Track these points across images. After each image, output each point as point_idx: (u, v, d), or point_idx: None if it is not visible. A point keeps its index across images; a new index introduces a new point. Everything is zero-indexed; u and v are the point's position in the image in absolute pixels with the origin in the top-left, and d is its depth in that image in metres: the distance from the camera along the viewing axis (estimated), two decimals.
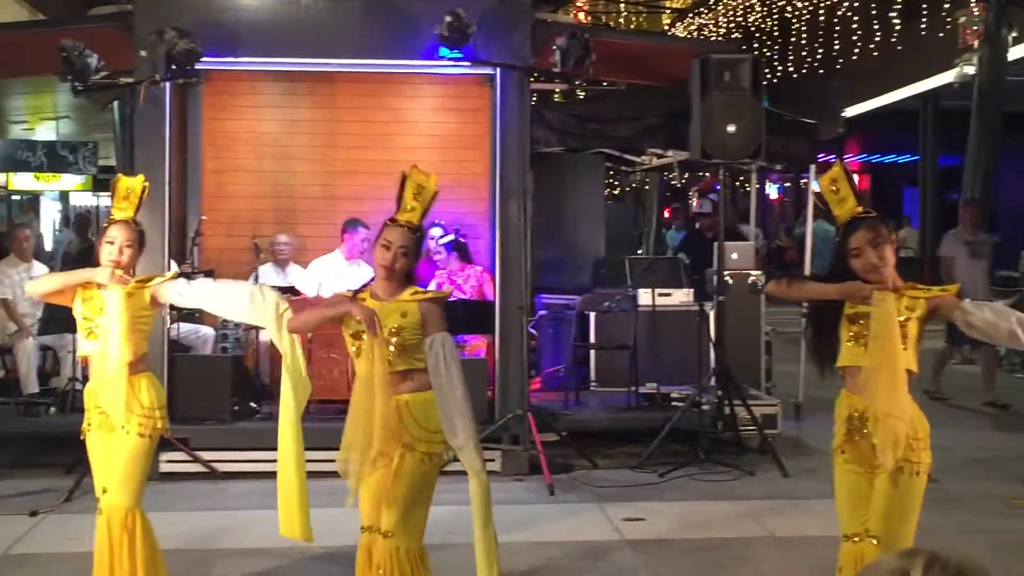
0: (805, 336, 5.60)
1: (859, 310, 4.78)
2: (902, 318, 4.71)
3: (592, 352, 10.55)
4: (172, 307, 8.36)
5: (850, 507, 4.82)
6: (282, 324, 5.13)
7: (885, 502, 4.67)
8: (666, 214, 20.96)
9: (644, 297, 10.37)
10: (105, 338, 5.25)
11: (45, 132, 23.34)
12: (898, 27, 19.83)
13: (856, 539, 4.76)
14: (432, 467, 4.92)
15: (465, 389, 4.81)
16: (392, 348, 4.83)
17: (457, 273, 10.08)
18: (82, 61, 8.34)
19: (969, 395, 11.98)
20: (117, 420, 5.24)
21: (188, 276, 8.20)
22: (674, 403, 9.58)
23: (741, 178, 15.10)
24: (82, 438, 5.40)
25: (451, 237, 10.11)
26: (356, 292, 5.04)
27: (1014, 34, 16.68)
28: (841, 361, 4.87)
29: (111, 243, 5.29)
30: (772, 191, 30.03)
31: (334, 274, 9.99)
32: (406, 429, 4.84)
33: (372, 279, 5.14)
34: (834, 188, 4.94)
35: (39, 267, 10.66)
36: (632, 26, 24.93)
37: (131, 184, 5.44)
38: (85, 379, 10.35)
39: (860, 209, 4.88)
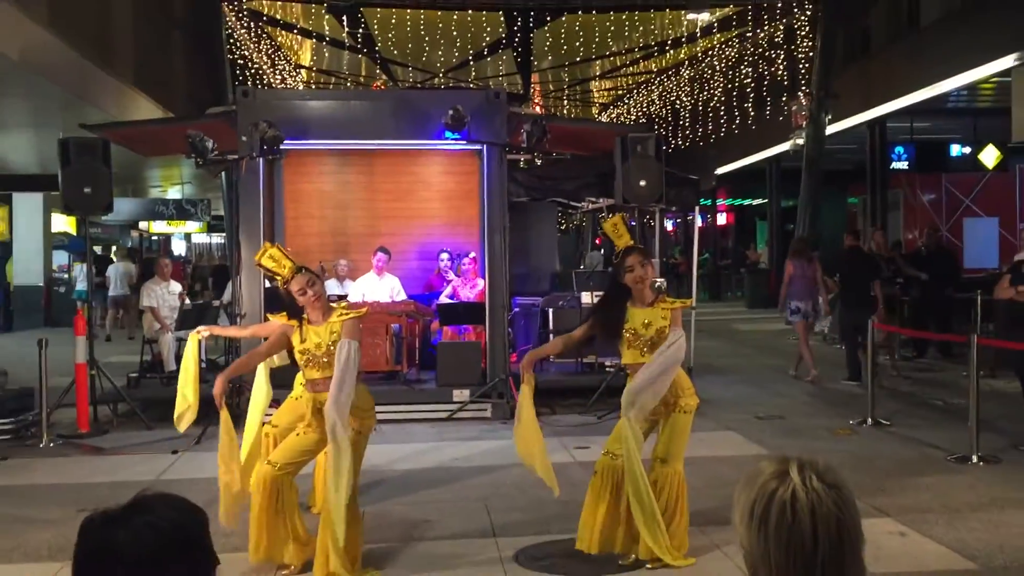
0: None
1: (631, 326, 4.76)
2: (659, 326, 4.70)
3: (551, 335, 10.50)
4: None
5: (613, 437, 4.81)
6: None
7: (667, 434, 4.79)
8: (597, 242, 21.02)
9: (586, 297, 10.38)
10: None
11: (174, 192, 23.20)
12: (752, 113, 20.01)
13: (613, 455, 4.74)
14: (362, 438, 4.61)
15: (347, 388, 4.42)
16: (326, 359, 4.57)
17: (470, 280, 10.02)
18: (202, 145, 8.34)
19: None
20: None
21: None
22: (608, 368, 9.60)
23: (648, 216, 15.11)
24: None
25: (472, 254, 9.99)
26: (300, 321, 4.70)
27: (829, 117, 16.88)
28: (625, 360, 4.88)
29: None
30: (668, 224, 30.19)
31: (371, 287, 9.95)
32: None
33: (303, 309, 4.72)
34: (616, 230, 4.84)
35: (174, 285, 10.65)
36: (573, 115, 25.00)
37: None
38: (209, 362, 10.32)
39: (632, 242, 4.84)
